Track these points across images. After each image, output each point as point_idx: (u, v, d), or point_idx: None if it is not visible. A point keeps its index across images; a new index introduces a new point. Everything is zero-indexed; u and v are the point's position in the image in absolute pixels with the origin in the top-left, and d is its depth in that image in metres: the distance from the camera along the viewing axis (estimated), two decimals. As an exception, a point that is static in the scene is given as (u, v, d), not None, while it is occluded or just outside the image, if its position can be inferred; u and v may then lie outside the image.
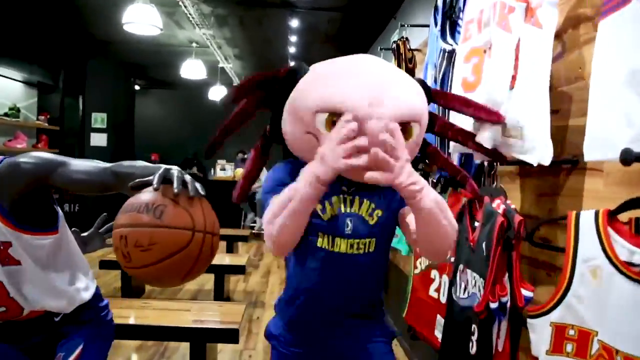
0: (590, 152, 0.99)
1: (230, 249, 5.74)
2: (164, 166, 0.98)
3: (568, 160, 1.26)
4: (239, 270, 3.99)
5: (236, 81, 7.65)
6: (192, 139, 9.08)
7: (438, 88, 1.78)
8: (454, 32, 1.82)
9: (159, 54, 6.44)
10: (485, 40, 1.38)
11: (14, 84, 5.32)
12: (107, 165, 1.15)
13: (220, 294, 4.07)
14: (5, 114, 4.87)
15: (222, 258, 4.36)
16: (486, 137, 1.27)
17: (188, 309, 2.71)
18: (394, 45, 2.54)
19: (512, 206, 1.25)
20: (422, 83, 1.14)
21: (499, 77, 1.27)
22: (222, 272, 4.03)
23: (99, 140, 7.47)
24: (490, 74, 1.34)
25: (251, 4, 4.14)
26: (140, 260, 0.87)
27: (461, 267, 1.47)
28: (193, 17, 4.10)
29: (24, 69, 5.12)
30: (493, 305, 1.17)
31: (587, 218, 0.99)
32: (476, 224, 1.40)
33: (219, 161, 8.75)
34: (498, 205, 1.27)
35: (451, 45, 1.78)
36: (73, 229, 1.45)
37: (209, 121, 9.87)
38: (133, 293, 4.21)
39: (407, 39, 2.56)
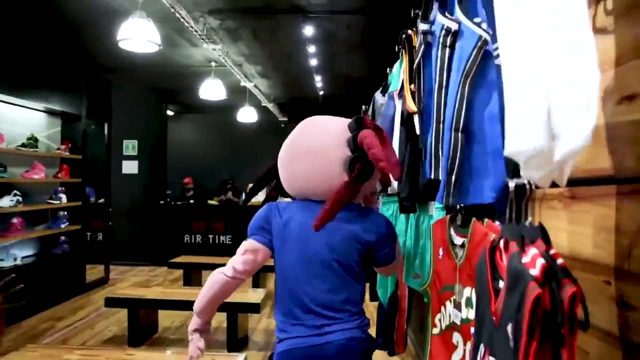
0: None
1: (256, 283, 5.32)
2: None
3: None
4: (253, 308, 3.52)
5: (264, 101, 7.31)
6: (224, 162, 9.01)
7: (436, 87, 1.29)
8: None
9: (183, 77, 6.22)
10: None
11: (35, 114, 5.22)
12: None
13: (234, 335, 3.62)
14: (23, 145, 4.73)
15: (235, 295, 3.92)
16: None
17: (177, 363, 2.33)
18: (403, 37, 2.01)
19: (559, 261, 0.70)
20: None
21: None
22: (234, 311, 3.58)
23: (130, 167, 7.37)
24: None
25: (259, 12, 3.76)
26: None
27: (482, 348, 0.93)
28: (196, 31, 3.76)
29: (46, 98, 4.99)
30: None
31: None
32: (501, 283, 0.87)
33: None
34: (533, 258, 0.73)
35: (457, 21, 1.25)
36: None
37: (241, 143, 9.66)
38: (142, 334, 3.84)
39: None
